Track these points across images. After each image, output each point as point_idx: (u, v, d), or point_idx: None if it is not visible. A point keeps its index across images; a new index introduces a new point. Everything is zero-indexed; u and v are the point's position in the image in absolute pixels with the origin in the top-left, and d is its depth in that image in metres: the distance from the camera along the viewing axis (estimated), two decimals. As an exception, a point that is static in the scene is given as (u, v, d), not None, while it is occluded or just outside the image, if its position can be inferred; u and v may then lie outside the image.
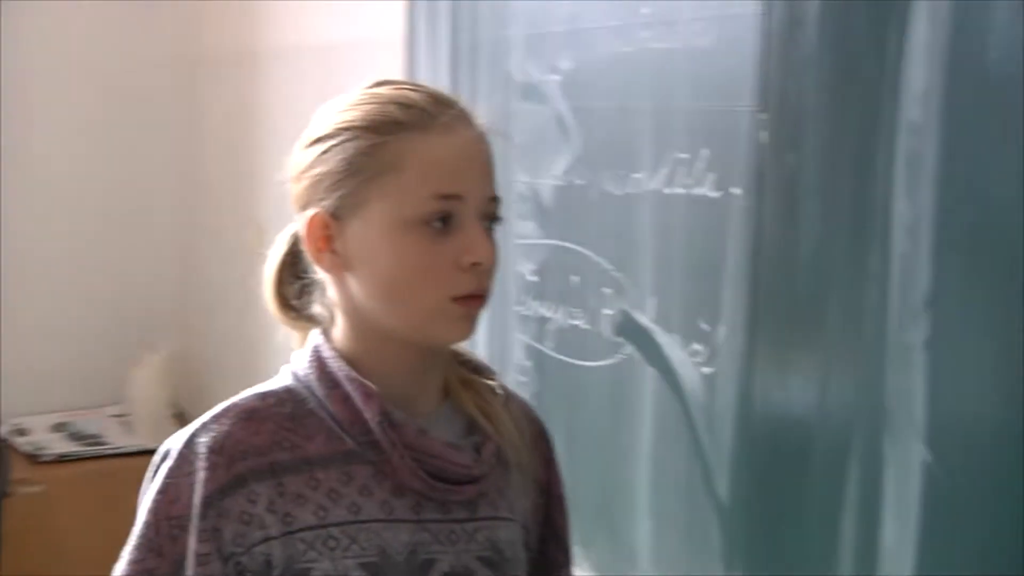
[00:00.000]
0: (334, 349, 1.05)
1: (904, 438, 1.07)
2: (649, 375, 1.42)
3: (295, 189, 1.05)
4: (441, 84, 1.85)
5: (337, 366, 1.04)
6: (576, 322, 1.56)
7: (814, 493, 1.18)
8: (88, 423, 3.25)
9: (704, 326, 1.32)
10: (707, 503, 1.33)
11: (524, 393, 1.64)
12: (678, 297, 1.37)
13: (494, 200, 1.03)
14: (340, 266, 1.02)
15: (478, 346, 1.76)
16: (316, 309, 1.09)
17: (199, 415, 1.05)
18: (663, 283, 1.39)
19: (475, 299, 1.02)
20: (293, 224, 1.10)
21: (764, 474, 1.25)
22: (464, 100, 1.05)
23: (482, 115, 1.05)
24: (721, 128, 1.29)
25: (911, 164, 1.06)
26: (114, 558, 1.03)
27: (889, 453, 1.09)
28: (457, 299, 1.00)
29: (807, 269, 1.18)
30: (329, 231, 1.01)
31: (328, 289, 1.06)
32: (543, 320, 1.62)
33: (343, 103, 1.05)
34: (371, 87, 1.07)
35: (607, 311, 1.49)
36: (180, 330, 3.36)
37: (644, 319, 1.43)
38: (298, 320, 1.11)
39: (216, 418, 1.03)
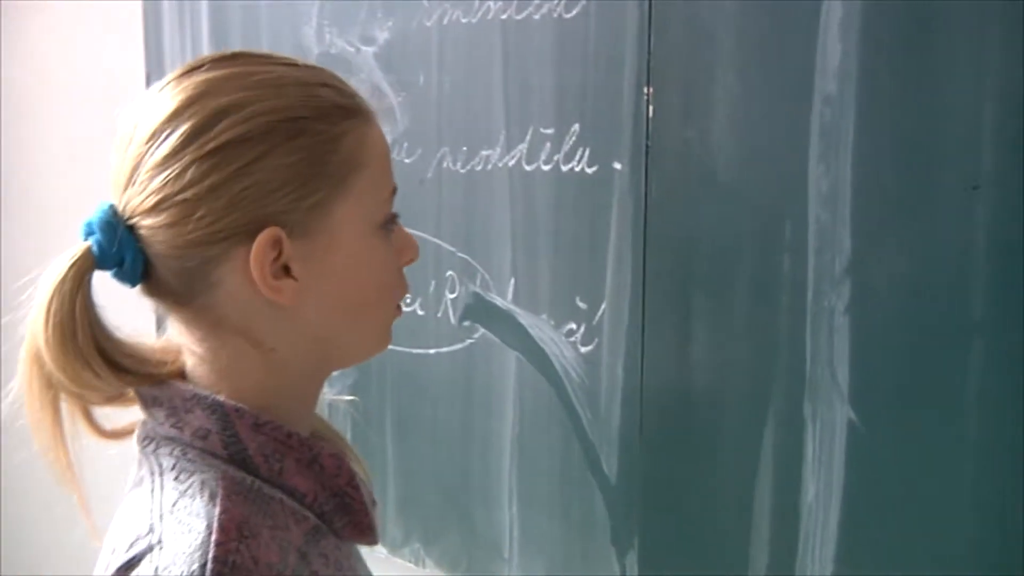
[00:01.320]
0: (244, 404, 0.85)
1: (827, 400, 1.14)
2: (510, 358, 1.39)
3: (180, 215, 0.81)
4: (199, 52, 1.70)
5: (278, 432, 0.85)
6: (409, 308, 1.49)
7: (724, 460, 1.22)
8: None
9: (581, 304, 1.32)
10: (590, 482, 1.33)
11: (337, 387, 1.56)
12: (545, 276, 1.35)
13: None
14: (301, 293, 0.84)
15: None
16: (187, 359, 0.87)
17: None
18: (524, 263, 1.37)
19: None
20: (71, 253, 0.83)
21: (661, 447, 1.27)
22: None
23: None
24: (595, 103, 1.29)
25: (826, 136, 1.12)
26: None
27: (809, 415, 1.15)
28: (398, 306, 0.93)
29: (706, 241, 1.22)
30: (279, 252, 0.82)
31: (228, 328, 0.85)
32: (363, 308, 1.54)
33: (230, 87, 0.82)
34: (230, 64, 0.84)
35: (451, 295, 1.45)
36: None
37: (501, 301, 1.40)
38: (131, 379, 0.86)
39: (223, 546, 0.78)
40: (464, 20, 1.40)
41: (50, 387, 0.84)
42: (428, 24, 1.43)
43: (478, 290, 1.42)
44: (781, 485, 1.18)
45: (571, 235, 1.33)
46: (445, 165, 1.43)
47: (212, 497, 0.81)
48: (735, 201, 1.20)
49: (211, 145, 0.81)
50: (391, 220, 0.89)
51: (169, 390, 0.86)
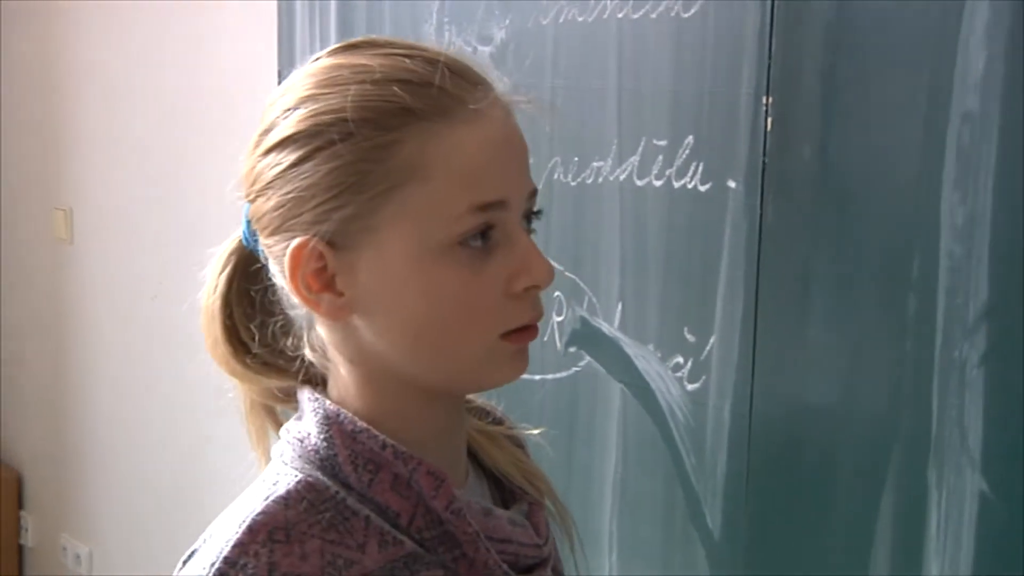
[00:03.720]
0: (352, 413, 0.83)
1: (954, 465, 1.02)
2: (615, 390, 1.32)
3: (258, 207, 0.83)
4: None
5: (374, 441, 0.81)
6: (516, 329, 1.44)
7: (836, 525, 1.11)
8: None
9: (689, 336, 1.23)
10: (691, 535, 1.25)
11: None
12: (654, 303, 1.27)
13: (534, 193, 0.85)
14: (345, 309, 0.81)
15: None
16: (307, 353, 0.86)
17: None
18: (633, 287, 1.29)
19: (530, 329, 0.83)
20: (234, 235, 0.89)
21: (767, 504, 1.17)
22: (478, 63, 0.84)
23: (502, 80, 0.84)
24: (710, 113, 1.20)
25: (964, 158, 1.00)
26: None
27: (934, 482, 1.04)
28: (509, 335, 0.81)
29: (824, 275, 1.11)
30: (325, 264, 0.80)
31: (317, 329, 0.85)
32: (471, 327, 1.49)
33: (310, 84, 0.81)
34: (342, 54, 0.82)
35: (559, 318, 1.39)
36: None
37: (607, 327, 1.33)
38: (268, 372, 0.89)
39: (242, 547, 0.77)
40: (580, 19, 1.33)
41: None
42: (544, 22, 1.38)
43: (585, 314, 1.35)
44: (899, 559, 1.07)
45: (681, 259, 1.24)
46: (556, 176, 1.37)
47: (267, 498, 0.80)
48: (858, 230, 1.09)
49: (268, 144, 0.81)
50: (476, 238, 0.78)
51: (303, 389, 0.86)
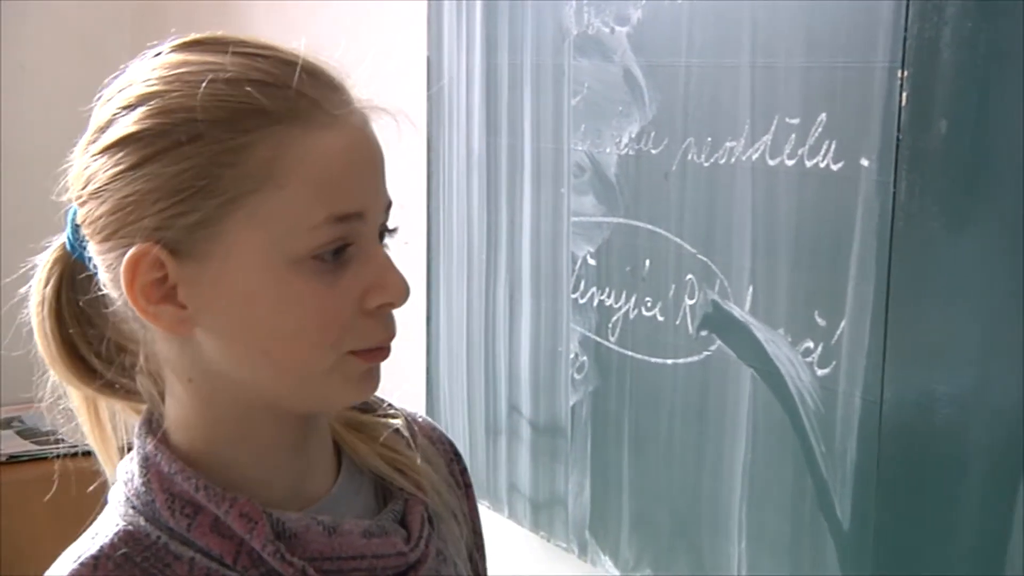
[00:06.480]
0: (175, 449, 0.80)
1: (1094, 458, 0.96)
2: (745, 376, 1.30)
3: (89, 210, 0.78)
4: (473, 37, 1.72)
5: (190, 484, 0.78)
6: (649, 313, 1.43)
7: (966, 520, 1.07)
8: (42, 418, 3.08)
9: (820, 320, 1.20)
10: (820, 525, 1.21)
11: (580, 393, 1.52)
12: (784, 286, 1.24)
13: (389, 207, 0.81)
14: (187, 323, 0.77)
15: (521, 339, 1.64)
16: (138, 380, 0.82)
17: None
18: (764, 270, 1.27)
19: (382, 350, 0.80)
20: (57, 240, 0.84)
21: (899, 495, 1.13)
22: (334, 65, 0.80)
23: (360, 84, 0.81)
24: (844, 89, 1.16)
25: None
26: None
27: (1072, 475, 0.98)
28: (359, 352, 0.79)
29: (959, 258, 1.06)
30: (166, 274, 0.76)
31: (154, 346, 0.81)
32: (605, 309, 1.49)
33: (153, 80, 0.76)
34: (186, 50, 0.78)
35: (690, 301, 1.37)
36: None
37: (738, 311, 1.30)
38: (117, 394, 0.85)
39: None
40: (715, -4, 1.31)
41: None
42: (679, 1, 1.36)
43: (716, 298, 1.33)
44: (1035, 556, 1.02)
45: (812, 241, 1.21)
46: (690, 157, 1.36)
47: (77, 558, 0.78)
48: (996, 211, 1.04)
49: (104, 143, 0.77)
50: (332, 252, 0.76)
51: (138, 421, 0.84)
